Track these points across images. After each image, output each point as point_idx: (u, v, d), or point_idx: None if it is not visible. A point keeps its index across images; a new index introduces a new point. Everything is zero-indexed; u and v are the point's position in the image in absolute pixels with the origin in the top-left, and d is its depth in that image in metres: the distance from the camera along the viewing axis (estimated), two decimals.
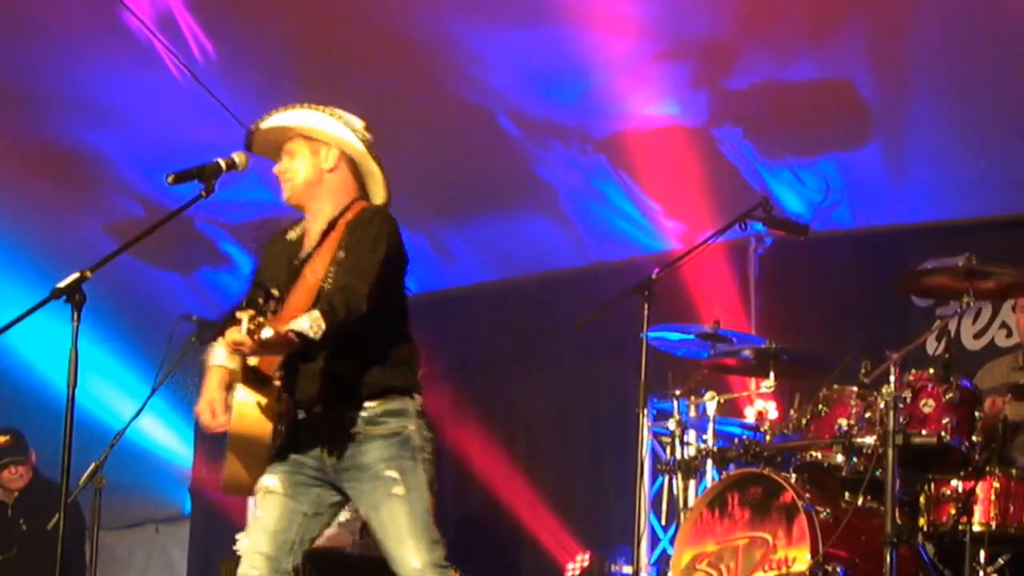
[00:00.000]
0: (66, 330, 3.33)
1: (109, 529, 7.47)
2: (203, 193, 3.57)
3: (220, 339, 3.51)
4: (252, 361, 3.52)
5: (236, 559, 5.49)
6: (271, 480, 3.61)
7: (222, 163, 3.61)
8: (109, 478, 4.68)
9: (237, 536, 5.57)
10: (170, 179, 3.52)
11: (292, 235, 3.76)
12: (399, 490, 3.55)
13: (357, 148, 3.68)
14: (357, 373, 3.58)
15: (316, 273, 3.57)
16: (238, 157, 3.65)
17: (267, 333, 3.25)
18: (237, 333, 3.27)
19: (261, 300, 3.37)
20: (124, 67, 6.75)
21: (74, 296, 3.35)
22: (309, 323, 3.34)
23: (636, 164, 6.80)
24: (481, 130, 6.68)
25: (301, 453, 3.63)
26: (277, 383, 3.54)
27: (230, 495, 3.78)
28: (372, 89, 6.78)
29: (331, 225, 3.65)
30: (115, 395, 7.70)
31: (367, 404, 3.59)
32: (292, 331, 3.33)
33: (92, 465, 4.57)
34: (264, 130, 3.71)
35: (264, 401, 3.51)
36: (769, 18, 6.00)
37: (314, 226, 3.69)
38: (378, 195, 3.76)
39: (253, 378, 3.53)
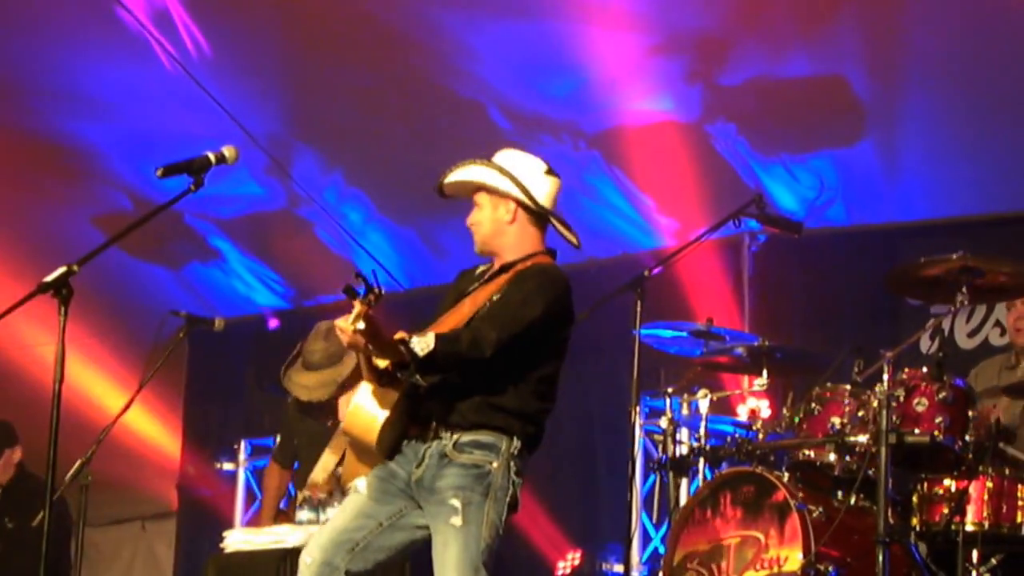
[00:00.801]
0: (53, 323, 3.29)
1: (95, 526, 7.43)
2: (192, 187, 3.56)
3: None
4: (382, 364, 3.59)
5: (223, 556, 5.49)
6: (361, 482, 3.72)
7: (212, 157, 3.59)
8: (96, 474, 4.64)
9: (224, 534, 5.54)
10: (159, 172, 3.51)
11: (481, 269, 3.94)
12: (456, 521, 3.59)
13: (528, 204, 3.82)
14: (466, 402, 3.66)
15: (473, 305, 3.73)
16: (228, 151, 3.63)
17: (360, 325, 3.34)
18: (343, 320, 3.41)
19: (364, 287, 3.40)
20: (114, 59, 6.72)
21: (61, 290, 3.33)
22: (420, 340, 3.50)
23: (629, 160, 6.78)
24: (473, 124, 6.65)
25: (399, 464, 3.71)
26: (395, 395, 3.62)
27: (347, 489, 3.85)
28: (363, 82, 6.76)
29: (504, 268, 3.82)
30: (102, 391, 7.66)
31: (460, 431, 3.66)
32: (401, 340, 3.48)
33: (78, 462, 4.53)
34: (447, 185, 3.88)
35: (379, 406, 3.61)
36: (763, 13, 5.98)
37: (496, 266, 3.88)
38: (569, 237, 3.92)
39: (379, 380, 3.61)
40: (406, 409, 3.67)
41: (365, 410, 3.62)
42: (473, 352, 3.57)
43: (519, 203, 3.81)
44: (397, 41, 6.45)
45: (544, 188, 3.83)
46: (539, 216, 3.85)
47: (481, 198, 3.85)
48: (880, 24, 5.93)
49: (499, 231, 3.83)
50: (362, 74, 6.69)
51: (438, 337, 3.53)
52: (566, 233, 3.91)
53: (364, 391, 3.65)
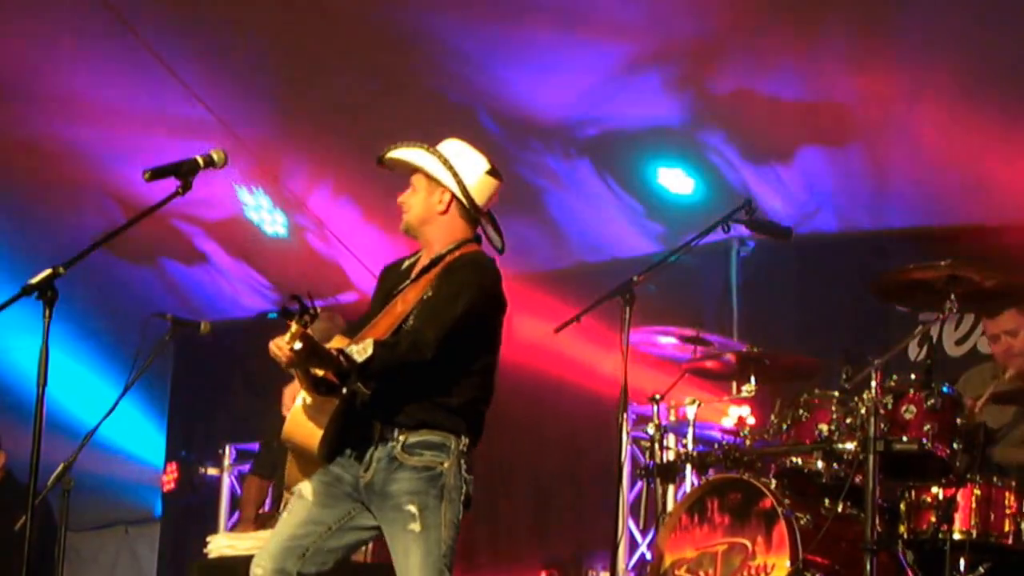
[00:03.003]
0: (37, 326, 3.26)
1: (78, 530, 7.38)
2: (180, 190, 3.53)
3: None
4: (319, 372, 3.58)
5: (206, 562, 5.45)
6: (306, 487, 3.70)
7: (199, 160, 3.58)
8: (79, 479, 4.60)
9: (208, 539, 5.51)
10: (147, 175, 3.50)
11: (406, 263, 3.91)
12: (415, 527, 3.58)
13: (462, 201, 3.81)
14: (410, 402, 3.64)
15: (405, 304, 3.70)
16: (216, 154, 3.62)
17: (297, 345, 3.36)
18: (279, 339, 3.43)
19: (299, 308, 3.41)
20: (102, 63, 6.69)
21: (46, 292, 3.31)
22: (358, 348, 3.49)
23: (619, 166, 6.78)
24: (463, 129, 6.58)
25: (343, 467, 3.68)
26: (335, 400, 3.60)
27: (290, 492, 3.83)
28: (353, 86, 6.74)
29: (433, 262, 3.79)
30: (86, 394, 7.62)
31: (406, 432, 3.63)
32: (339, 350, 3.48)
33: (61, 465, 4.49)
34: (389, 159, 3.87)
35: (319, 412, 3.58)
36: (753, 21, 5.98)
37: (423, 259, 3.85)
38: (495, 239, 3.91)
39: (316, 388, 3.59)
40: (347, 415, 3.64)
41: (305, 418, 3.59)
42: (412, 355, 3.56)
43: (454, 196, 3.80)
44: (388, 46, 6.44)
45: (482, 187, 3.81)
46: (471, 212, 3.83)
47: (418, 181, 3.84)
48: (869, 32, 5.94)
49: (429, 218, 3.82)
50: (351, 78, 6.67)
51: (376, 343, 3.52)
52: (494, 236, 3.89)
53: (302, 401, 3.61)
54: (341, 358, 3.46)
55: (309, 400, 3.60)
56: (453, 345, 3.61)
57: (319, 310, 3.42)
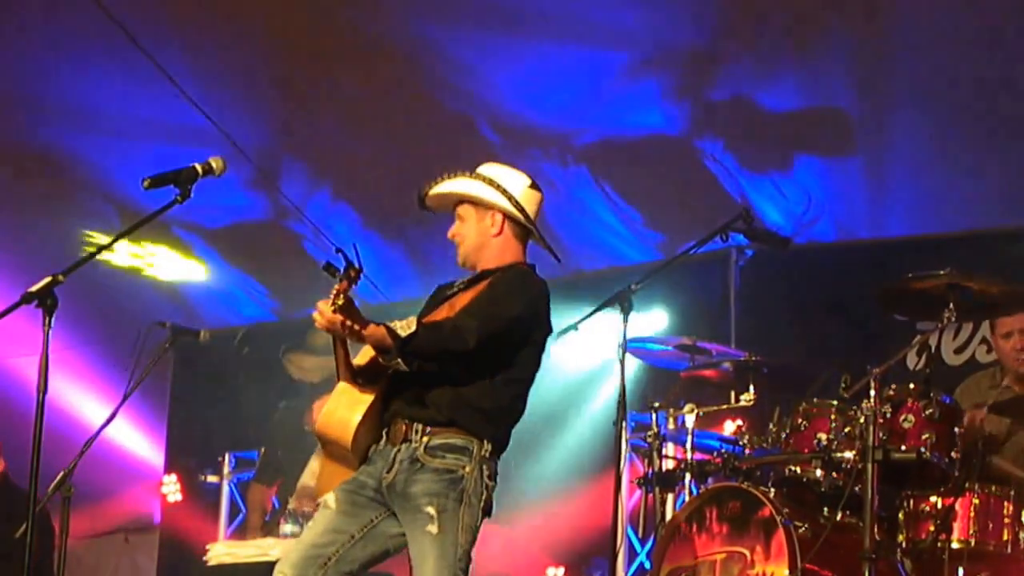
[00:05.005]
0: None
1: (78, 538, 7.37)
2: (179, 198, 3.53)
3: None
4: (359, 360, 3.57)
5: (206, 569, 5.46)
6: (330, 496, 3.67)
7: (199, 168, 3.58)
8: (79, 487, 4.60)
9: (207, 546, 5.52)
10: (146, 183, 3.49)
11: (458, 283, 3.89)
12: (433, 529, 3.56)
13: (516, 215, 3.81)
14: (442, 398, 3.62)
15: (452, 309, 3.69)
16: (215, 162, 3.62)
17: (340, 300, 3.28)
18: (322, 303, 3.36)
19: (344, 263, 3.34)
20: (101, 70, 6.70)
21: (46, 300, 3.31)
22: (402, 324, 3.45)
23: (617, 174, 6.79)
24: (462, 137, 6.65)
25: (367, 474, 3.67)
26: (371, 394, 3.59)
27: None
28: (353, 95, 6.76)
29: (484, 275, 3.79)
30: (86, 402, 7.61)
31: (432, 430, 3.62)
32: (384, 323, 3.43)
33: (61, 473, 4.49)
34: (431, 196, 3.85)
35: (354, 405, 3.57)
36: (752, 31, 6.00)
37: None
38: (552, 253, 3.90)
39: (354, 379, 3.58)
40: (381, 410, 3.64)
41: (339, 412, 3.59)
42: (455, 340, 3.53)
43: (506, 215, 3.80)
44: (386, 54, 6.45)
45: (528, 201, 3.83)
46: (523, 229, 3.83)
47: (465, 211, 3.82)
48: (868, 42, 5.95)
49: (484, 243, 3.81)
50: (351, 86, 6.68)
51: (420, 323, 3.51)
52: (546, 248, 3.89)
53: (337, 394, 3.62)
54: (383, 328, 3.44)
55: (345, 394, 3.59)
56: (497, 346, 3.59)
57: (362, 269, 3.33)
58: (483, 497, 3.63)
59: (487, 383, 3.64)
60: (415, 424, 3.62)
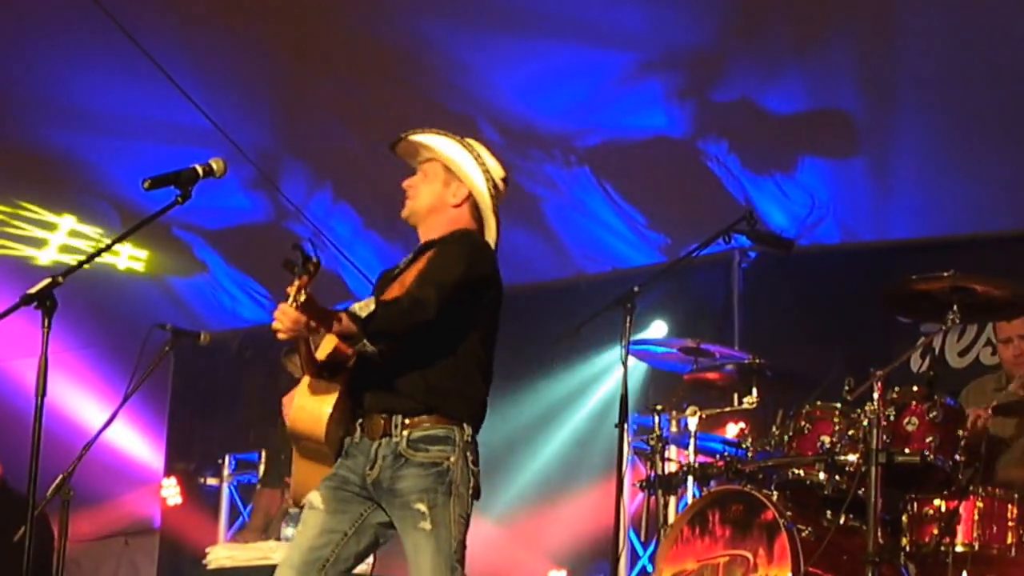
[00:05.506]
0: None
1: (77, 541, 7.35)
2: (179, 199, 3.51)
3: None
4: (320, 355, 3.52)
5: (206, 572, 5.44)
6: (315, 496, 3.62)
7: (199, 169, 3.56)
8: (78, 490, 4.58)
9: (207, 549, 5.50)
10: (146, 184, 3.47)
11: (403, 262, 3.80)
12: (426, 525, 3.53)
13: (484, 198, 3.72)
14: (412, 384, 3.57)
15: (403, 285, 3.59)
16: (215, 163, 3.60)
17: (302, 297, 3.23)
18: (283, 305, 3.30)
19: (300, 257, 3.28)
20: (101, 70, 6.68)
21: (45, 302, 3.29)
22: (360, 305, 3.38)
23: (620, 175, 6.77)
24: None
25: (348, 469, 3.62)
26: (338, 385, 3.54)
27: (300, 503, 3.73)
28: (353, 95, 6.74)
29: (429, 245, 3.69)
30: (85, 404, 7.60)
31: (411, 421, 3.57)
32: (345, 310, 3.35)
33: (60, 476, 4.47)
34: (411, 141, 3.76)
35: (322, 397, 3.52)
36: (756, 32, 5.98)
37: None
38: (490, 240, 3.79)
39: (319, 373, 3.53)
40: (350, 401, 3.58)
41: (309, 405, 3.53)
42: (416, 312, 3.44)
43: (471, 194, 3.71)
44: (388, 55, 6.44)
45: (501, 195, 3.75)
46: (479, 215, 3.73)
47: (433, 169, 3.72)
48: (873, 43, 5.94)
49: (440, 208, 3.70)
50: (351, 86, 6.67)
51: (378, 301, 3.43)
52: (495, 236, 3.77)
53: (303, 389, 3.56)
54: (344, 315, 3.36)
55: (311, 388, 3.54)
56: (453, 312, 3.50)
57: (320, 261, 3.26)
58: (471, 484, 3.59)
59: (450, 361, 3.57)
60: (393, 417, 3.56)
